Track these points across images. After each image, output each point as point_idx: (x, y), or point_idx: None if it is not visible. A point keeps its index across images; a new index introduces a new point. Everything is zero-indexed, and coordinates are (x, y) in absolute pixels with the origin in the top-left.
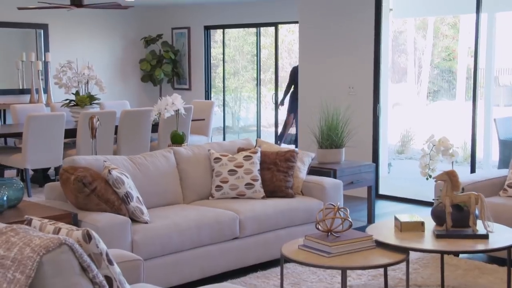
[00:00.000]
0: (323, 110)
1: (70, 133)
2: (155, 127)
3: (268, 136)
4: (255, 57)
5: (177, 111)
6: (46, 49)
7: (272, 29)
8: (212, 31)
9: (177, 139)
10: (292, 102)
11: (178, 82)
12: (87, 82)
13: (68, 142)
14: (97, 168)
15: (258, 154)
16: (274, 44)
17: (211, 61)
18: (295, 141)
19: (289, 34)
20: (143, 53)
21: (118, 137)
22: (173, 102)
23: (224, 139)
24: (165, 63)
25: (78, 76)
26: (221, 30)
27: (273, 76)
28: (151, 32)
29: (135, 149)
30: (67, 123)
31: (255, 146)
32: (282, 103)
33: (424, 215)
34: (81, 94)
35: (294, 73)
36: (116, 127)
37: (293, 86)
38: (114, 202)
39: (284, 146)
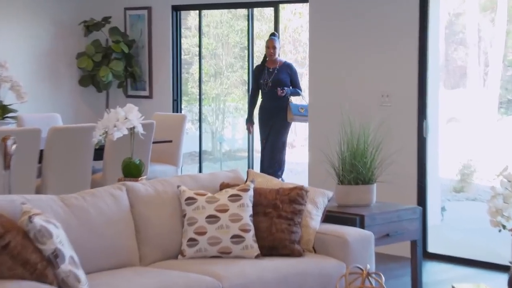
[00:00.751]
0: (344, 128)
1: None
2: (99, 153)
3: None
4: (246, 51)
5: (132, 129)
6: None
7: (270, 10)
8: (183, 13)
9: (132, 171)
10: (263, 115)
11: (134, 87)
12: None
13: None
14: (12, 213)
15: (251, 192)
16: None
17: (182, 57)
18: (276, 173)
19: (295, 17)
20: (82, 44)
21: (44, 166)
22: (126, 117)
23: (200, 170)
24: (115, 59)
25: None
26: (197, 11)
27: None
28: (94, 15)
29: (70, 184)
30: None
31: (246, 181)
32: (250, 120)
33: (496, 285)
34: None
35: (259, 71)
36: (41, 152)
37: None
38: (36, 264)
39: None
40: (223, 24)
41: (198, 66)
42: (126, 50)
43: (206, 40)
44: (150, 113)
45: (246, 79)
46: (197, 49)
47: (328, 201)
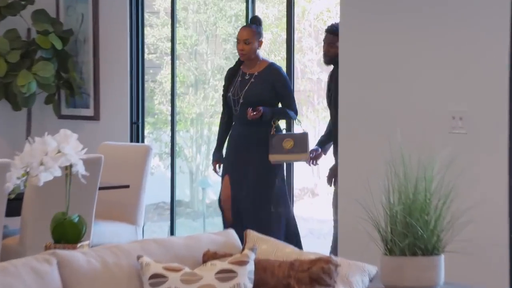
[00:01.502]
0: (394, 169)
1: None
2: (15, 205)
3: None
4: None
5: (68, 168)
6: None
7: None
8: None
9: (67, 233)
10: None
11: (71, 103)
12: None
13: None
14: None
15: (251, 267)
16: (285, 20)
17: (146, 57)
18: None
19: None
20: None
21: (28, 223)
22: (59, 149)
23: (172, 231)
24: (41, 60)
25: None
26: None
27: None
28: None
29: None
30: None
31: (243, 248)
32: (217, 156)
33: None
34: None
35: (230, 79)
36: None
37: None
38: None
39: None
40: (209, 8)
41: (170, 71)
42: (58, 45)
43: (182, 31)
44: (96, 143)
45: None
46: (169, 44)
47: (370, 281)
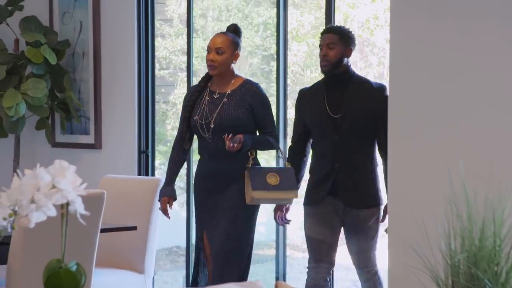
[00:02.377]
0: (456, 208)
1: None
2: (1, 251)
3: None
4: (274, 63)
5: (64, 206)
6: None
7: None
8: None
9: (63, 284)
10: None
11: (68, 129)
12: None
13: None
14: None
15: None
16: (324, 28)
17: (157, 73)
18: None
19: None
20: None
21: (16, 252)
22: (54, 184)
23: (187, 281)
24: (31, 77)
25: None
26: None
27: None
28: None
29: None
30: None
31: None
32: (168, 191)
33: None
34: None
35: (193, 99)
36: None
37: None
38: None
39: None
40: (232, 14)
41: (185, 90)
42: (52, 59)
43: (200, 43)
44: (97, 176)
45: (274, 111)
46: (184, 58)
47: None
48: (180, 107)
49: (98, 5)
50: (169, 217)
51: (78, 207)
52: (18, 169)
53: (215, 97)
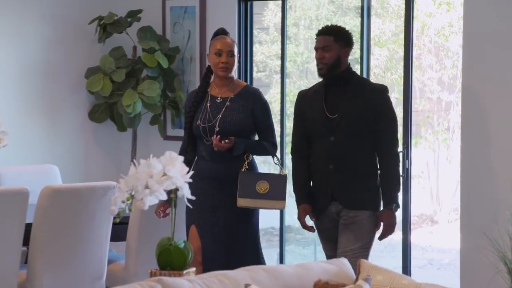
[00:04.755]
0: None
1: None
2: (120, 229)
3: (387, 253)
4: (358, 65)
5: (173, 191)
6: None
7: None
8: (257, 4)
9: (173, 259)
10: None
11: (177, 124)
12: None
13: None
14: None
15: None
16: (403, 35)
17: (254, 75)
18: None
19: (440, 11)
20: (94, 54)
21: (33, 250)
22: (165, 172)
23: (281, 258)
24: (147, 79)
25: None
26: (278, 2)
27: (399, 112)
28: (114, 7)
29: (72, 279)
30: None
31: (357, 279)
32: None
33: None
34: None
35: (194, 104)
36: (29, 227)
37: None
38: None
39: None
40: (321, 23)
41: (280, 91)
42: (164, 64)
43: (293, 48)
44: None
45: None
46: (279, 62)
47: None
48: (274, 105)
49: (204, 16)
50: (159, 216)
51: (186, 192)
52: (134, 159)
53: (218, 101)
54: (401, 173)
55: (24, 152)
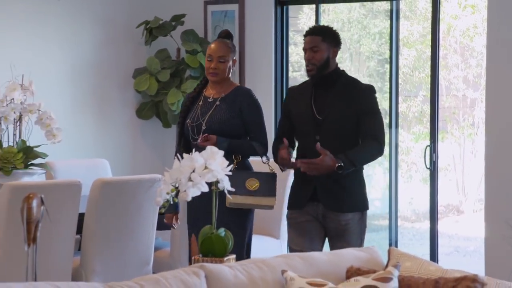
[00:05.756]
0: None
1: None
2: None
3: (416, 241)
4: (387, 65)
5: (214, 184)
6: None
7: (425, 3)
8: (292, 8)
9: (215, 247)
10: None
11: None
12: (20, 119)
13: None
14: None
15: (394, 283)
16: (431, 36)
17: (290, 75)
18: None
19: (465, 13)
20: (141, 56)
21: (86, 239)
22: (206, 165)
23: None
24: (190, 79)
25: (0, 105)
26: (312, 6)
27: (427, 108)
28: (159, 12)
29: (123, 265)
30: None
31: (387, 265)
32: (171, 207)
33: None
34: (5, 144)
35: (188, 104)
36: (82, 216)
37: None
38: None
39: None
40: (353, 25)
41: None
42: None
43: None
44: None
45: (387, 108)
46: None
47: None
48: None
49: (243, 19)
50: (174, 227)
51: (226, 184)
52: (177, 154)
53: (209, 101)
54: (373, 159)
55: (76, 147)
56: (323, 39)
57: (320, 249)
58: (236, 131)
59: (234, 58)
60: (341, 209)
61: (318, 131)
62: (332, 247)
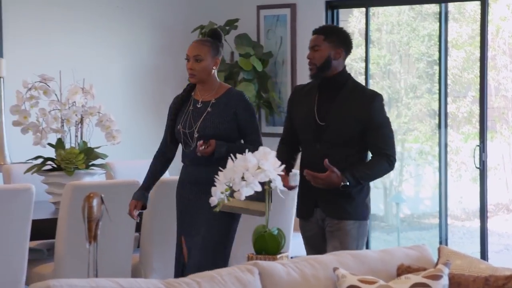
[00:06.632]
0: None
1: (43, 230)
2: None
3: (466, 240)
4: (436, 67)
5: (267, 183)
6: None
7: (474, 5)
8: (342, 12)
9: (268, 245)
10: None
11: (270, 122)
12: (81, 122)
13: (38, 249)
14: None
15: (444, 281)
16: (479, 38)
17: None
18: None
19: None
20: None
21: (145, 237)
22: (259, 165)
23: (367, 244)
24: (243, 81)
25: (63, 108)
26: (363, 10)
27: (476, 109)
28: (213, 17)
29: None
30: (38, 208)
31: (437, 263)
32: (138, 195)
33: None
34: (67, 146)
35: (177, 108)
36: (140, 215)
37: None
38: None
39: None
40: (402, 27)
41: None
42: (259, 67)
43: (376, 51)
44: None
45: (437, 108)
46: (363, 64)
47: None
48: None
49: (294, 23)
50: (135, 220)
51: (278, 184)
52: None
53: (199, 106)
54: (381, 176)
55: (135, 148)
56: (325, 39)
57: None
58: (229, 134)
59: (217, 58)
60: (339, 216)
61: (318, 139)
62: (327, 246)
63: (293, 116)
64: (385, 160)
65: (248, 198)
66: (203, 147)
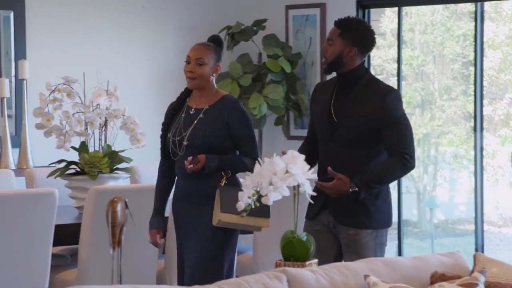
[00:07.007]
0: None
1: (66, 235)
2: None
3: (503, 246)
4: (472, 68)
5: (296, 188)
6: (20, 52)
7: (511, 3)
8: (374, 11)
9: (296, 251)
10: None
11: (299, 124)
12: (105, 124)
13: (62, 255)
14: None
15: None
16: None
17: None
18: None
19: None
20: (223, 61)
21: (169, 243)
22: (287, 169)
23: (399, 250)
24: (271, 83)
25: (87, 110)
26: (395, 9)
27: None
28: (241, 17)
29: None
30: (62, 213)
31: (473, 271)
32: (155, 223)
33: None
34: (91, 149)
35: (171, 115)
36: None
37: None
38: None
39: None
40: (436, 27)
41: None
42: (288, 68)
43: (408, 52)
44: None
45: (472, 111)
46: (395, 65)
47: None
48: None
49: (324, 23)
50: (159, 248)
51: (307, 188)
52: (259, 158)
53: (191, 112)
54: (397, 178)
55: (159, 151)
56: (341, 34)
57: (331, 262)
58: (221, 144)
59: (218, 64)
60: (353, 225)
61: (332, 138)
62: (344, 259)
63: (313, 114)
64: (398, 159)
65: (249, 213)
66: (191, 165)
